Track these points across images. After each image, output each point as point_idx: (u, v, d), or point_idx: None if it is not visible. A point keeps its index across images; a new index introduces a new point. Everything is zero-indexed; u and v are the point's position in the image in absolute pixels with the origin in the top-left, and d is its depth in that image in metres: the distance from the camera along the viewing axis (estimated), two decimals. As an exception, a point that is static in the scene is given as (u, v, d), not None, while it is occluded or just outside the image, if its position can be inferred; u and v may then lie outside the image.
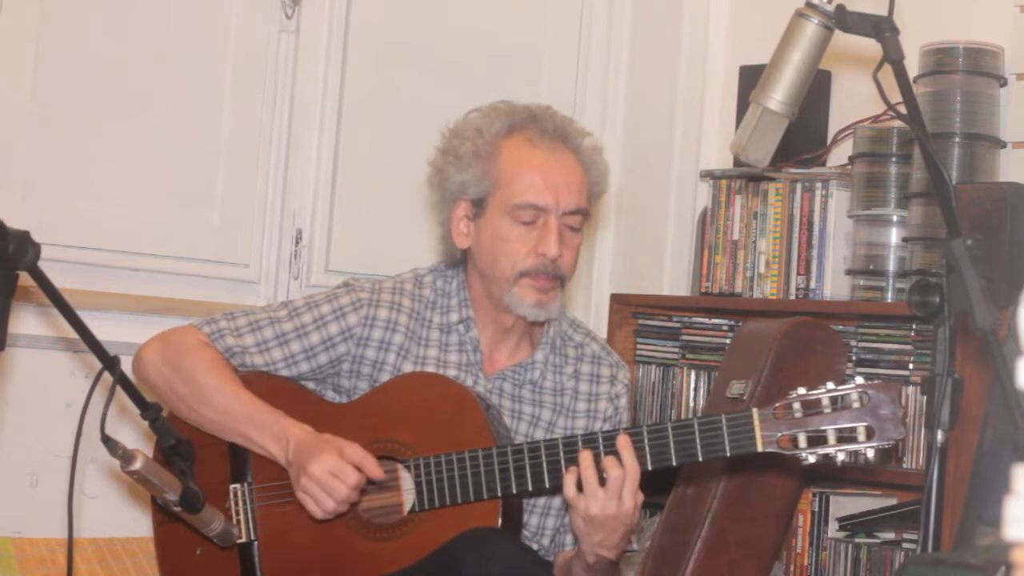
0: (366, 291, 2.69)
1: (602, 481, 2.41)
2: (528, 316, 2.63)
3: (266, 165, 3.55)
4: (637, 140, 4.14)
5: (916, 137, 2.30)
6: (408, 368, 2.66)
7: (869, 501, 3.50)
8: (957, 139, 3.42)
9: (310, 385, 2.71)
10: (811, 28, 2.35)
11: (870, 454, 2.36)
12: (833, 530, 3.46)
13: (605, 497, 2.40)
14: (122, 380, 2.25)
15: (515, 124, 2.64)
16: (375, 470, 2.50)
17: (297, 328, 2.66)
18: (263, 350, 2.66)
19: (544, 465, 2.47)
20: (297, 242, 3.59)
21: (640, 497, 2.45)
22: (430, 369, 2.67)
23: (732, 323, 3.78)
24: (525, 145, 2.63)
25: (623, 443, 2.42)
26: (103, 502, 3.23)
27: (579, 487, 2.42)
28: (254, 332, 2.67)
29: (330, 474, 2.48)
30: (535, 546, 2.66)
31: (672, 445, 2.42)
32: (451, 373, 2.67)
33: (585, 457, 2.42)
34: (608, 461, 2.41)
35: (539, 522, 2.67)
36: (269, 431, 2.57)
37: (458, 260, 2.72)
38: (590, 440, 2.45)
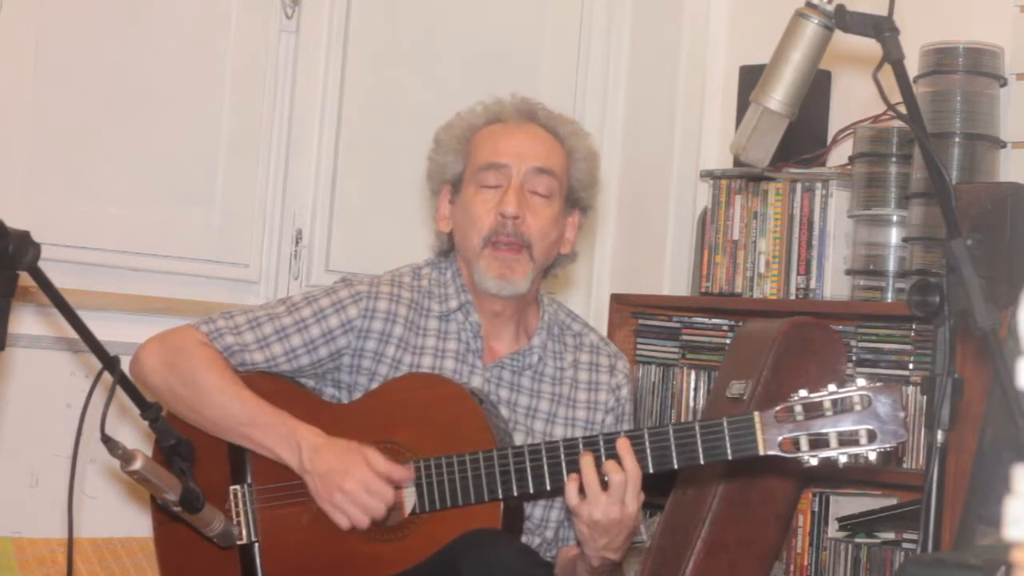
0: (364, 284, 2.70)
1: (604, 485, 2.41)
2: (491, 289, 2.65)
3: (266, 165, 3.55)
4: (637, 140, 4.14)
5: (916, 137, 2.30)
6: (407, 359, 2.66)
7: (869, 501, 3.50)
8: (957, 139, 3.42)
9: (309, 383, 2.71)
10: (811, 28, 2.35)
11: (872, 457, 2.36)
12: (833, 530, 3.46)
13: (608, 502, 2.40)
14: (122, 380, 2.25)
15: (496, 114, 2.72)
16: (403, 474, 2.51)
17: (297, 322, 2.66)
18: (263, 346, 2.66)
19: (545, 467, 2.47)
20: (297, 242, 3.59)
21: (642, 498, 2.46)
22: (428, 359, 2.67)
23: (732, 323, 3.78)
24: (497, 125, 2.71)
25: (623, 447, 2.42)
26: (103, 502, 3.23)
27: (581, 491, 2.42)
28: (253, 329, 2.67)
29: (366, 491, 2.49)
30: (538, 539, 2.66)
31: (673, 448, 2.42)
32: (448, 363, 2.67)
33: (587, 463, 2.42)
34: (609, 465, 2.41)
35: (543, 514, 2.67)
36: (276, 433, 2.56)
37: (448, 249, 2.75)
38: (590, 442, 2.45)
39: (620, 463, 2.41)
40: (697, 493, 3.26)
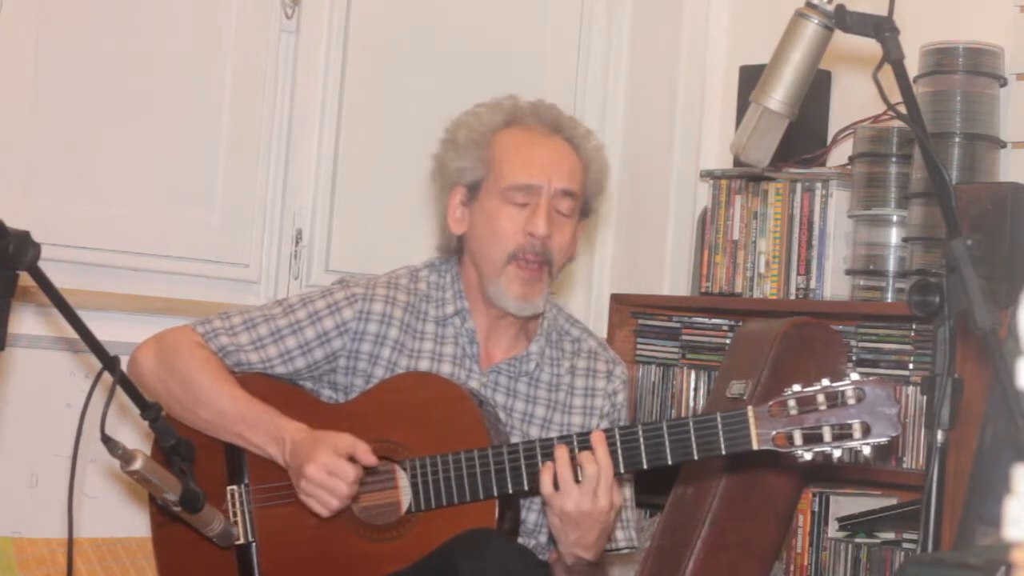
0: (360, 286, 2.70)
1: (577, 478, 2.41)
2: (511, 309, 2.64)
3: (266, 165, 3.55)
4: (637, 140, 4.14)
5: (916, 137, 2.30)
6: (403, 362, 2.66)
7: (869, 501, 3.50)
8: (957, 139, 3.42)
9: (307, 384, 2.71)
10: (811, 28, 2.35)
11: (866, 451, 2.36)
12: (833, 530, 3.46)
13: (580, 494, 2.41)
14: (122, 380, 2.25)
15: (515, 117, 2.68)
16: (367, 457, 2.51)
17: (292, 324, 2.66)
18: (258, 347, 2.66)
19: (539, 464, 2.47)
20: (297, 242, 3.59)
21: (619, 498, 2.46)
22: (424, 362, 2.67)
23: (732, 323, 3.78)
24: (520, 131, 2.67)
25: (597, 440, 2.43)
26: (103, 502, 3.23)
27: (555, 485, 2.43)
28: (248, 330, 2.67)
29: (328, 474, 2.48)
30: (532, 542, 2.66)
31: (667, 444, 2.43)
32: (445, 368, 2.67)
33: (561, 454, 2.43)
34: (583, 457, 2.42)
35: (537, 519, 2.67)
36: (265, 430, 2.57)
37: (453, 251, 2.73)
38: (584, 438, 2.45)
39: (594, 455, 2.42)
40: (697, 493, 3.26)
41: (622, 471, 2.46)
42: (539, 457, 2.47)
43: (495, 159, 2.65)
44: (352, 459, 2.50)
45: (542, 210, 2.61)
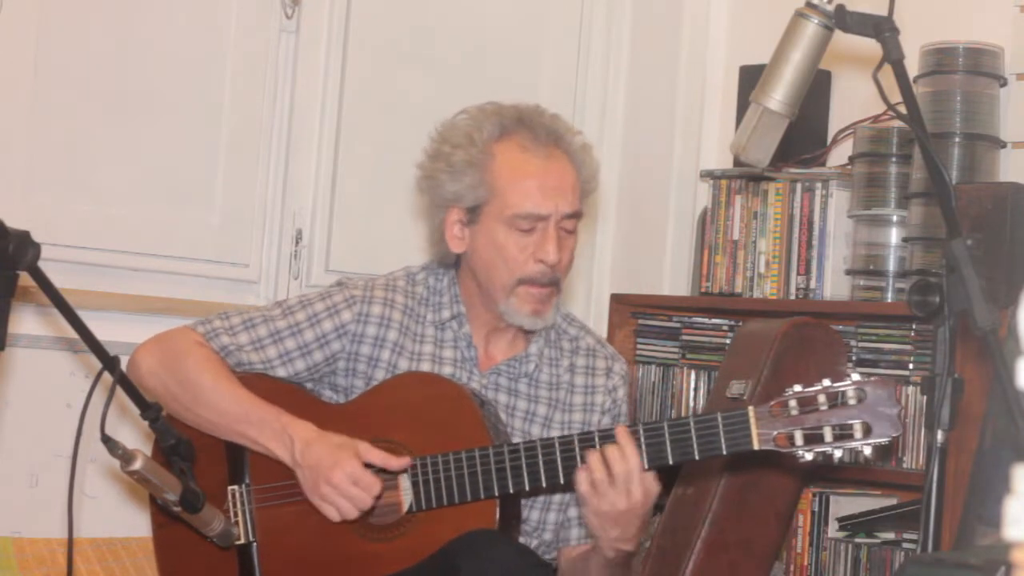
0: (359, 288, 2.70)
1: (611, 479, 2.41)
2: (525, 325, 2.64)
3: (266, 165, 3.55)
4: (637, 140, 4.14)
5: (916, 137, 2.30)
6: (404, 364, 2.66)
7: (869, 501, 3.50)
8: (957, 139, 3.42)
9: (308, 385, 2.71)
10: (811, 28, 2.35)
11: (867, 451, 2.36)
12: (833, 530, 3.47)
13: (614, 493, 2.41)
14: (122, 380, 2.25)
15: (506, 128, 2.63)
16: (397, 463, 2.51)
17: (291, 325, 2.66)
18: (258, 348, 2.66)
19: (540, 464, 2.47)
20: (297, 242, 3.59)
21: (655, 486, 2.45)
22: (426, 365, 2.67)
23: (732, 323, 3.78)
24: (518, 151, 2.61)
25: (622, 435, 2.42)
26: (103, 502, 3.23)
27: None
28: (248, 330, 2.67)
29: (353, 484, 2.48)
30: (535, 542, 2.66)
31: (668, 444, 2.43)
32: (447, 370, 2.67)
33: (594, 458, 2.42)
34: (612, 456, 2.41)
35: (540, 517, 2.67)
36: (270, 429, 2.57)
37: (450, 264, 2.72)
38: (586, 438, 2.45)
39: (621, 451, 2.41)
40: (697, 493, 3.26)
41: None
42: (539, 456, 2.47)
43: (497, 184, 2.60)
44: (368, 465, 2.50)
45: (552, 237, 2.58)
